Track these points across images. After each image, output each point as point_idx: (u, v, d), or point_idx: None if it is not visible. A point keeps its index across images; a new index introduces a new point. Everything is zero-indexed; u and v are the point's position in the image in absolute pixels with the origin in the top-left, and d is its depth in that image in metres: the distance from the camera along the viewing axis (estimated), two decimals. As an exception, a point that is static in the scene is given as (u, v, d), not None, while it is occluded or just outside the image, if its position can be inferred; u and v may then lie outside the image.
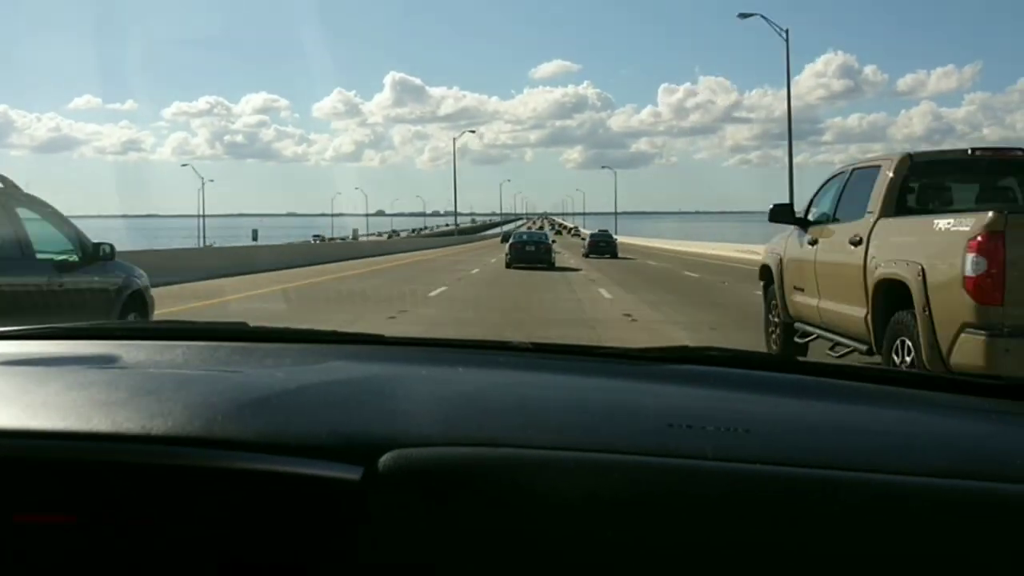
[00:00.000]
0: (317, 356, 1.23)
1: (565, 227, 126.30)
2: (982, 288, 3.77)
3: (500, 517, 0.76)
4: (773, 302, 6.93)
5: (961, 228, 3.94)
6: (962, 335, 3.88)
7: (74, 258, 6.19)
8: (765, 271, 7.21)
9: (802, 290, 6.13)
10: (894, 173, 5.02)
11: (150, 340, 1.31)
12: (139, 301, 6.78)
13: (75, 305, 5.99)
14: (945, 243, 4.05)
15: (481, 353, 1.33)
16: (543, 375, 1.16)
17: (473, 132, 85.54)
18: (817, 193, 6.48)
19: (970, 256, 3.79)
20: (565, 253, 34.86)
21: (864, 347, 5.07)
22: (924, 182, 5.20)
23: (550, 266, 24.32)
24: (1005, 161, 5.41)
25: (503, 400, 1.02)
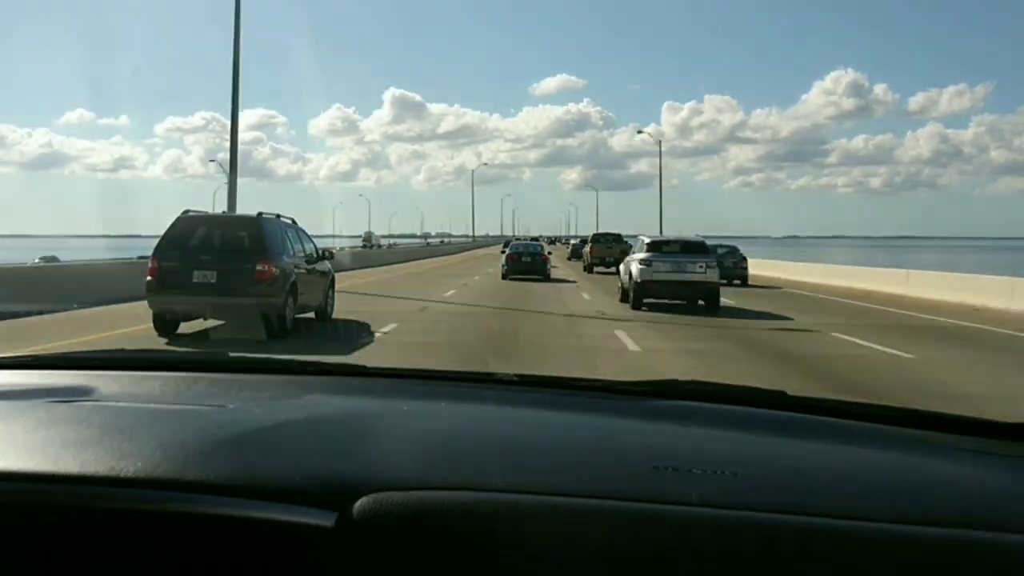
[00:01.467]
0: (297, 389, 1.27)
1: (559, 240, 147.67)
2: (590, 253, 34.36)
3: (477, 565, 0.76)
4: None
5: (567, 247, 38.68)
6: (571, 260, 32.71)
7: (314, 256, 12.63)
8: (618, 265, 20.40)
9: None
10: (574, 243, 35.54)
11: (127, 371, 1.32)
12: (333, 281, 13.35)
13: (314, 281, 12.42)
14: (582, 250, 34.81)
15: (464, 386, 1.34)
16: (527, 411, 1.20)
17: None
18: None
19: (590, 249, 33.81)
20: (551, 257, 49.01)
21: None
22: (594, 243, 34.22)
23: (546, 278, 25.47)
24: (608, 233, 35.12)
25: (484, 440, 1.03)
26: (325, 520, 0.78)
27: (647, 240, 16.70)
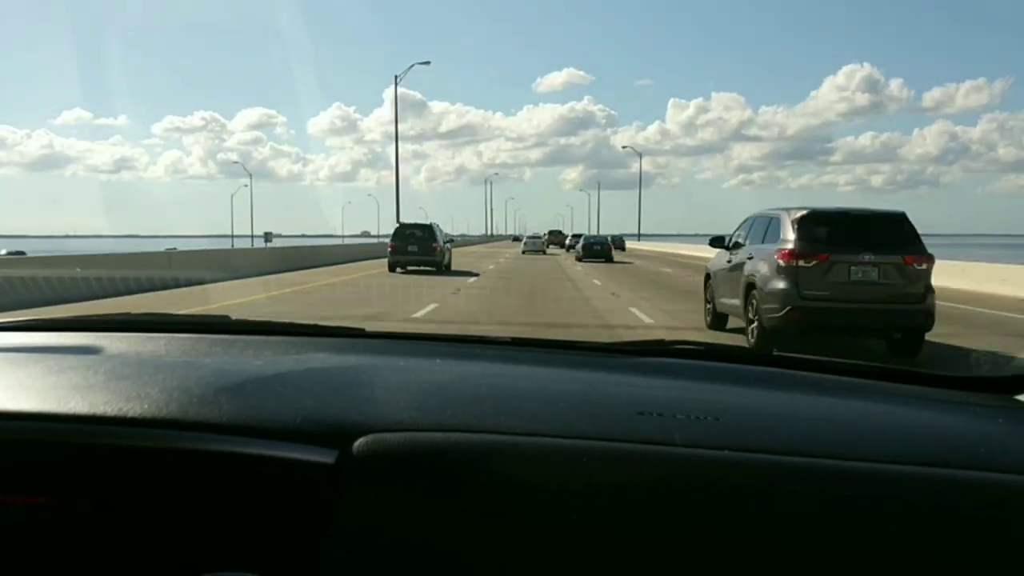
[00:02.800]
0: (297, 347, 1.32)
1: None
2: (547, 240, 69.40)
3: (470, 500, 0.82)
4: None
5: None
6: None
7: (448, 239, 31.45)
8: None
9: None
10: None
11: (132, 332, 1.38)
12: (451, 255, 30.46)
13: (447, 251, 29.69)
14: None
15: (459, 346, 1.41)
16: (519, 367, 1.26)
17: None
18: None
19: (547, 237, 67.27)
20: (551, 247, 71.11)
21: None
22: (549, 234, 74.68)
23: (609, 260, 38.38)
24: (557, 230, 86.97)
25: (477, 389, 1.09)
26: (326, 457, 0.84)
27: (548, 232, 67.61)
